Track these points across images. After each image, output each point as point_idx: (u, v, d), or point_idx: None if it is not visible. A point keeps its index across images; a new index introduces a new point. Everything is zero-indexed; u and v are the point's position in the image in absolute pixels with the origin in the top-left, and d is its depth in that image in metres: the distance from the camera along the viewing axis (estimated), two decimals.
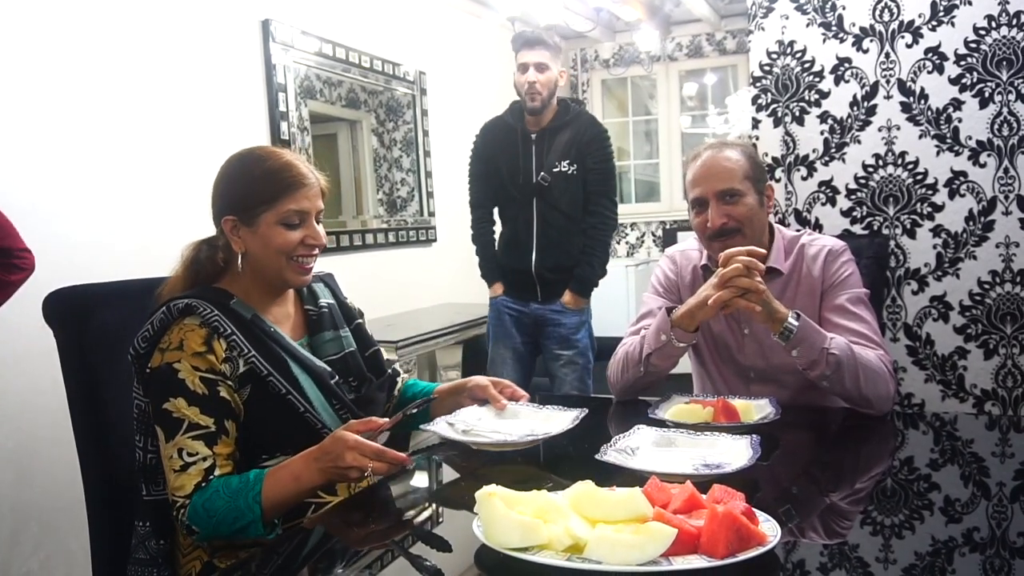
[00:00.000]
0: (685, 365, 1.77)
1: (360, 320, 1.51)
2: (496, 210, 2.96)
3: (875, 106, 2.26)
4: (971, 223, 2.19)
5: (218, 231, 1.34)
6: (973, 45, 2.15)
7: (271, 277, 1.32)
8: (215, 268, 1.34)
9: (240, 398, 1.26)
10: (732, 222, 1.60)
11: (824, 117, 2.32)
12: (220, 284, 1.33)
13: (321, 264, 1.39)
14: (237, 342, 1.25)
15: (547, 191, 2.74)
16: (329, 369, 1.35)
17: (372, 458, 1.15)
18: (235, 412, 1.25)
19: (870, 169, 2.28)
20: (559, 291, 2.79)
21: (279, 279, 1.33)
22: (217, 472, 1.19)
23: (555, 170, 2.74)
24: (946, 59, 2.18)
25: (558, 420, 1.33)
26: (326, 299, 1.46)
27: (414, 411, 1.29)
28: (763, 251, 1.49)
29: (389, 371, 1.50)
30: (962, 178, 2.19)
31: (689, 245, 1.79)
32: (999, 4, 2.12)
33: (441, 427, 1.31)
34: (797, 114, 2.36)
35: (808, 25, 2.32)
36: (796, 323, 1.46)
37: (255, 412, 1.26)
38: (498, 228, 2.99)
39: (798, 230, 1.79)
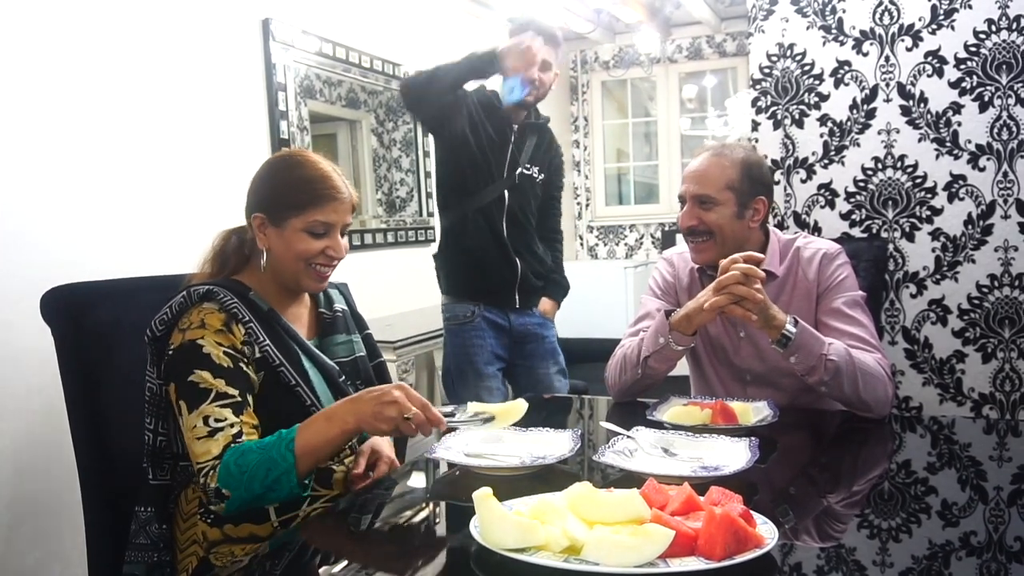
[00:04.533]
0: (683, 367, 1.77)
1: (369, 331, 1.54)
2: (449, 196, 2.64)
3: (875, 109, 2.27)
4: (970, 227, 2.19)
5: (248, 225, 1.37)
6: (973, 49, 2.15)
7: (287, 279, 1.36)
8: (240, 259, 1.39)
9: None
10: (701, 225, 1.63)
11: (824, 120, 2.32)
12: (240, 277, 1.36)
13: None
14: (253, 330, 1.28)
15: (516, 189, 2.54)
16: (338, 368, 1.38)
17: (417, 407, 1.15)
18: (255, 390, 1.27)
19: (869, 172, 2.28)
20: (535, 300, 2.62)
21: (294, 282, 1.36)
22: (244, 438, 1.19)
23: (527, 172, 2.57)
24: (946, 63, 2.18)
25: (558, 442, 1.31)
26: (340, 305, 1.50)
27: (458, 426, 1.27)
28: (762, 257, 1.49)
29: None
30: (961, 182, 2.19)
31: (687, 248, 1.79)
32: (999, 8, 2.12)
33: (440, 452, 1.31)
34: (797, 117, 2.36)
35: (808, 28, 2.32)
36: (794, 330, 1.46)
37: (263, 400, 1.28)
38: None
39: (794, 233, 1.79)
